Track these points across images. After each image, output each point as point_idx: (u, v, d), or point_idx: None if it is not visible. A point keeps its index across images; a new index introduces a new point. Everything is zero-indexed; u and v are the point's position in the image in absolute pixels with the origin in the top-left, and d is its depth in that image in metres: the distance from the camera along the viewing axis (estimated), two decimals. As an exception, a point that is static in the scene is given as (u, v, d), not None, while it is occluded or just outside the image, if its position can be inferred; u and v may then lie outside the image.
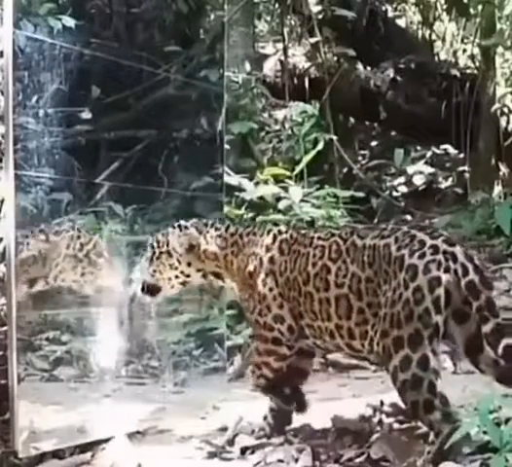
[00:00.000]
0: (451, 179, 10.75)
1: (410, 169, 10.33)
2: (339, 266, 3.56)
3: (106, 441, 3.90)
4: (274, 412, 3.90)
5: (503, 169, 10.28)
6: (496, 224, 6.45)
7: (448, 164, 10.91)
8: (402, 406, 3.46)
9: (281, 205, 6.27)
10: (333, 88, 9.18)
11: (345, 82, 9.78)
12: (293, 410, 3.91)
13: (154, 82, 6.29)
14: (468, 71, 10.64)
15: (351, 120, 11.48)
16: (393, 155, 9.92)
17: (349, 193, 7.31)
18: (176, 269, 4.00)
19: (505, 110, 10.05)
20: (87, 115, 5.68)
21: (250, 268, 3.84)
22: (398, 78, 10.35)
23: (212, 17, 7.41)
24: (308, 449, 3.58)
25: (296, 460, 3.52)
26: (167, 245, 4.01)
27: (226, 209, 5.70)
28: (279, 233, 3.85)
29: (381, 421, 3.80)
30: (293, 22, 10.47)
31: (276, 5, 10.36)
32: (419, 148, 11.21)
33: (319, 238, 3.70)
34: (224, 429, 4.00)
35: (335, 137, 8.43)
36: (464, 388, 3.98)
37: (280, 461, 3.54)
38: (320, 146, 7.22)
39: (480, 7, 9.74)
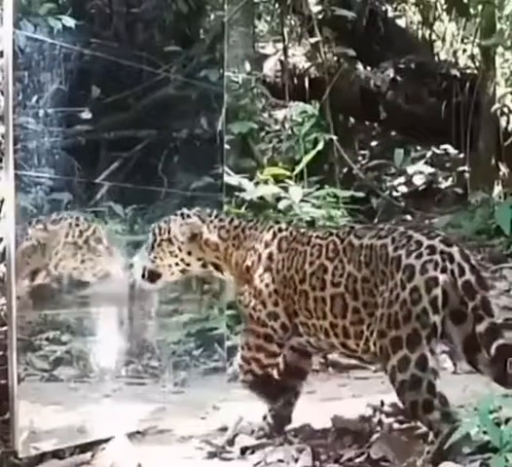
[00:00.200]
0: (451, 179, 10.74)
1: (410, 169, 10.32)
2: (335, 265, 3.56)
3: (106, 441, 3.89)
4: (273, 411, 3.89)
5: (503, 169, 10.28)
6: (496, 224, 6.47)
7: (448, 164, 10.90)
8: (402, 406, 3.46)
9: (281, 205, 6.27)
10: (333, 88, 9.17)
11: (345, 82, 9.78)
12: (288, 409, 3.89)
13: (154, 82, 6.29)
14: (468, 71, 10.63)
15: (351, 120, 11.47)
16: (393, 155, 9.91)
17: (349, 193, 7.31)
18: (176, 256, 4.00)
19: (505, 110, 10.05)
20: (87, 115, 5.68)
21: (248, 262, 3.84)
22: (398, 78, 10.34)
23: (212, 17, 7.41)
24: (308, 449, 3.57)
25: (296, 460, 3.52)
26: (169, 233, 4.00)
27: (226, 209, 5.70)
28: (279, 230, 3.85)
29: (381, 421, 3.80)
30: (293, 22, 10.46)
31: (276, 5, 10.35)
32: (419, 148, 11.20)
33: (317, 237, 3.70)
34: (224, 429, 3.99)
35: (335, 137, 8.43)
36: (464, 388, 3.97)
37: (280, 461, 3.53)
38: (320, 146, 7.22)
39: (480, 7, 9.74)
